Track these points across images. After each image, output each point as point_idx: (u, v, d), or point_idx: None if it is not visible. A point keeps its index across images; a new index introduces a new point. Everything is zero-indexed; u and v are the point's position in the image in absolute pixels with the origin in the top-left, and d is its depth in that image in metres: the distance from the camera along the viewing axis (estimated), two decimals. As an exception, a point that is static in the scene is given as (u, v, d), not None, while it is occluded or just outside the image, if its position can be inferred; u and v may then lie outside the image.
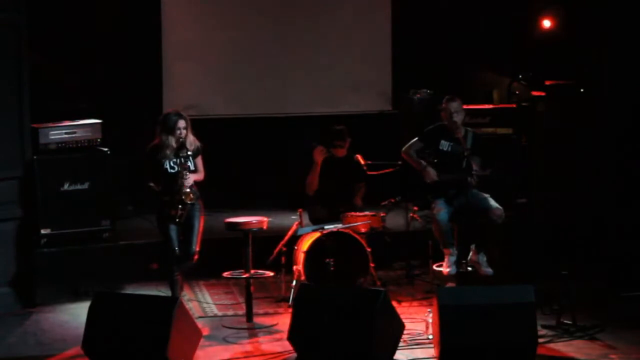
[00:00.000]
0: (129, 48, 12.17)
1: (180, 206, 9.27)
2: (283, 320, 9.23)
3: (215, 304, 10.05)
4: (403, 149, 10.31)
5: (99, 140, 10.77)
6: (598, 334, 8.89)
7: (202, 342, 8.54)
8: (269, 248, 10.22)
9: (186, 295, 9.66)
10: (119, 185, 10.90)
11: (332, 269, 9.73)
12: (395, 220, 11.15)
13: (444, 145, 10.16)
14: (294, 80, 12.83)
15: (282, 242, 10.17)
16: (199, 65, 12.61)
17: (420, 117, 11.71)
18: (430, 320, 8.63)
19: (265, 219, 9.57)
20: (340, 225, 10.02)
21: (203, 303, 10.04)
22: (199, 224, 9.44)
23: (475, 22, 12.73)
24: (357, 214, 10.31)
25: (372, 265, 9.94)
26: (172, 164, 9.33)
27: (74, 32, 11.93)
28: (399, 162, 10.50)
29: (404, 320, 8.43)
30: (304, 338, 8.32)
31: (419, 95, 12.53)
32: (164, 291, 9.94)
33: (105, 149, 10.76)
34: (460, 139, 10.08)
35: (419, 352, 8.54)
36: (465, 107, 10.38)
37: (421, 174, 10.13)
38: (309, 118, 12.75)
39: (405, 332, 8.47)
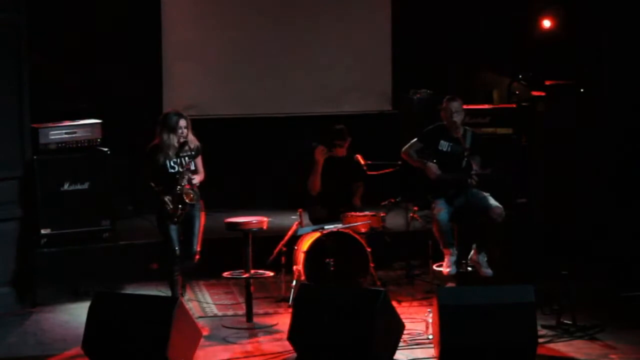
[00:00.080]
0: (129, 48, 12.16)
1: (180, 206, 9.27)
2: (283, 320, 9.23)
3: (215, 304, 10.05)
4: (403, 149, 10.31)
5: (99, 140, 10.78)
6: (598, 334, 8.89)
7: (202, 342, 8.54)
8: (269, 248, 10.22)
9: (186, 295, 9.65)
10: (119, 185, 10.90)
11: (332, 269, 9.73)
12: (395, 220, 11.15)
13: (444, 145, 10.16)
14: (294, 80, 12.83)
15: (282, 242, 10.17)
16: (199, 65, 12.60)
17: (420, 117, 11.70)
18: (430, 320, 8.63)
19: (265, 219, 9.57)
20: (340, 225, 10.03)
21: (203, 303, 10.04)
22: (200, 224, 9.45)
23: (475, 22, 12.72)
24: (357, 214, 10.31)
25: (372, 265, 9.94)
26: (172, 163, 9.33)
27: (74, 32, 11.93)
28: (399, 162, 10.50)
29: (404, 320, 8.43)
30: (304, 338, 8.32)
31: (419, 95, 12.53)
32: (164, 291, 9.94)
33: (105, 149, 10.76)
34: (459, 138, 10.09)
35: (419, 352, 8.53)
36: (465, 107, 10.39)
37: (423, 172, 10.12)
38: (309, 118, 12.74)
39: (405, 332, 8.47)
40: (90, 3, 12.04)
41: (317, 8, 12.85)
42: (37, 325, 9.48)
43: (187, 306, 8.60)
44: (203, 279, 10.56)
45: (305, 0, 12.88)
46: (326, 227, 9.94)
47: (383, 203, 10.80)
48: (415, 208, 10.69)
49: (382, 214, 10.41)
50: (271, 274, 9.81)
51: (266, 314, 9.69)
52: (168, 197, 9.25)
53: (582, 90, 11.82)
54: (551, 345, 8.68)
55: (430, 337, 8.64)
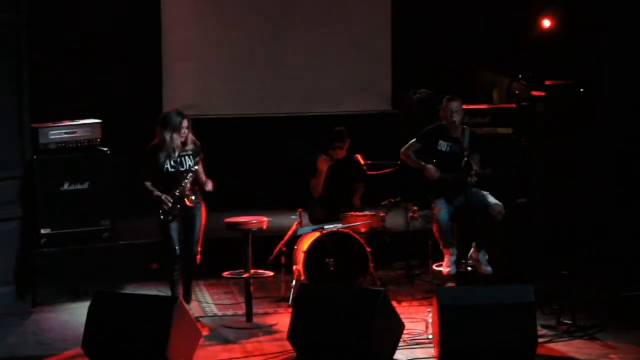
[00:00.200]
0: (129, 48, 12.16)
1: (178, 206, 9.27)
2: (283, 320, 9.23)
3: (215, 304, 10.05)
4: (402, 150, 10.31)
5: (99, 140, 10.78)
6: (598, 334, 8.89)
7: (202, 342, 8.55)
8: (269, 248, 10.22)
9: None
10: (119, 185, 10.90)
11: (332, 269, 9.74)
12: (395, 220, 11.15)
13: (443, 145, 10.16)
14: (294, 80, 12.83)
15: (282, 242, 10.18)
16: (199, 65, 12.60)
17: (420, 117, 11.70)
18: (430, 320, 8.63)
19: (265, 219, 9.58)
20: (340, 225, 10.03)
21: (203, 303, 10.04)
22: (201, 224, 9.44)
23: (475, 22, 12.72)
24: (357, 214, 10.31)
25: (372, 265, 9.94)
26: (172, 163, 9.33)
27: (74, 32, 11.92)
28: (399, 162, 10.50)
29: (404, 320, 8.43)
30: (304, 338, 8.32)
31: (419, 95, 12.53)
32: (164, 291, 9.94)
33: (105, 149, 10.76)
34: (459, 138, 10.08)
35: (419, 352, 8.54)
36: (465, 107, 10.39)
37: (423, 174, 10.12)
38: (309, 118, 12.74)
39: (405, 332, 8.47)
40: (90, 3, 12.04)
41: (317, 8, 12.85)
42: (37, 325, 9.48)
43: (187, 306, 8.60)
44: (203, 279, 10.55)
45: (306, 1, 12.88)
46: (326, 227, 9.94)
47: (383, 203, 10.80)
48: (415, 208, 10.69)
49: (382, 214, 10.42)
50: (271, 274, 9.81)
51: (266, 314, 9.69)
52: (166, 196, 9.25)
53: (582, 90, 11.82)
54: (551, 345, 8.68)
55: (430, 337, 8.64)
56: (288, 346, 8.44)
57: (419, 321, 9.01)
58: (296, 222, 10.26)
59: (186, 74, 12.56)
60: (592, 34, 11.97)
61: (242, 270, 9.54)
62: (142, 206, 9.66)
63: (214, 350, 8.70)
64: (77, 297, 10.09)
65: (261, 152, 12.60)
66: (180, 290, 9.42)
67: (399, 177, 10.67)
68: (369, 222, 10.20)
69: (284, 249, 10.13)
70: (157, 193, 9.28)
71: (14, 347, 8.90)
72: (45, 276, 10.21)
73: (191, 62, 12.56)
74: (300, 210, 10.37)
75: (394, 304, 8.85)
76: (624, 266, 10.71)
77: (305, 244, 9.90)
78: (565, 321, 8.99)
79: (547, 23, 12.53)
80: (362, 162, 10.57)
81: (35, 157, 10.30)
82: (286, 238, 10.19)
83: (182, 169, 9.35)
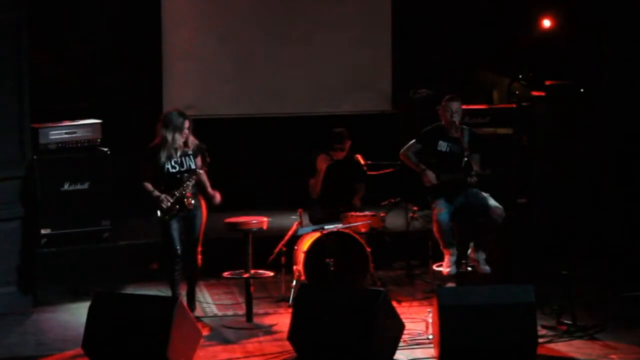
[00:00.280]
0: (129, 48, 12.16)
1: (177, 206, 9.26)
2: (283, 320, 9.23)
3: (215, 304, 10.05)
4: (401, 151, 10.30)
5: (99, 140, 10.78)
6: (598, 334, 8.89)
7: (202, 342, 8.55)
8: (269, 248, 10.22)
9: (185, 295, 9.64)
10: (119, 185, 10.90)
11: (332, 269, 9.74)
12: (395, 220, 11.15)
13: (442, 145, 10.15)
14: (294, 80, 12.83)
15: (282, 242, 10.17)
16: (199, 65, 12.60)
17: (420, 117, 11.71)
18: (430, 320, 8.63)
19: (265, 219, 9.58)
20: (340, 225, 10.03)
21: (203, 303, 10.04)
22: (201, 224, 9.44)
23: (475, 22, 12.72)
24: (357, 214, 10.31)
25: (372, 265, 9.94)
26: (173, 163, 9.33)
27: (74, 32, 11.92)
28: (399, 162, 10.50)
29: (404, 320, 8.43)
30: (304, 338, 8.32)
31: (419, 95, 12.52)
32: (164, 291, 9.95)
33: (105, 149, 10.76)
34: (458, 138, 10.07)
35: (419, 352, 8.53)
36: (465, 107, 10.39)
37: (420, 177, 10.11)
38: (309, 118, 12.74)
39: (405, 332, 8.47)
40: (90, 3, 12.04)
41: (317, 8, 12.85)
42: (37, 325, 9.48)
43: (187, 306, 8.61)
44: (203, 279, 10.54)
45: (306, 1, 12.88)
46: (326, 227, 9.94)
47: (383, 203, 10.80)
48: (415, 208, 10.70)
49: (382, 214, 10.41)
50: (271, 274, 9.81)
51: (266, 314, 9.69)
52: (166, 195, 9.24)
53: (582, 90, 11.82)
54: (551, 345, 8.68)
55: (430, 337, 8.64)
56: (288, 346, 8.44)
57: (419, 321, 9.01)
58: (296, 222, 10.26)
59: (186, 74, 12.56)
60: (592, 34, 11.97)
61: (242, 270, 9.54)
62: (142, 206, 9.66)
63: (214, 350, 8.70)
64: (77, 297, 10.08)
65: (261, 152, 12.60)
66: (181, 290, 9.42)
67: (399, 177, 10.67)
68: (369, 222, 10.20)
69: (284, 249, 10.13)
70: (157, 193, 9.28)
71: (14, 347, 8.89)
72: (45, 276, 10.21)
73: (191, 62, 12.56)
74: (300, 210, 10.37)
75: (394, 304, 8.85)
76: (624, 266, 10.71)
77: (305, 244, 9.90)
78: (565, 321, 8.98)
79: (547, 23, 12.53)
80: (362, 162, 10.57)
81: (35, 157, 10.30)
82: (286, 238, 10.19)
83: (182, 169, 9.35)
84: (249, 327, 9.32)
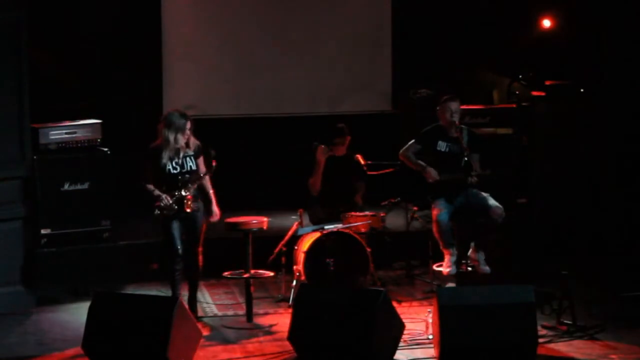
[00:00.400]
0: (129, 48, 12.16)
1: (175, 207, 9.25)
2: (283, 320, 9.23)
3: (215, 304, 10.05)
4: (400, 151, 10.30)
5: (99, 140, 10.78)
6: (598, 334, 8.89)
7: (202, 342, 8.54)
8: (269, 248, 10.22)
9: (186, 295, 9.65)
10: (119, 185, 10.90)
11: (332, 269, 9.74)
12: (395, 220, 11.15)
13: (442, 145, 10.15)
14: (294, 80, 12.83)
15: (282, 242, 10.17)
16: (199, 65, 12.60)
17: (420, 117, 11.71)
18: (430, 320, 8.63)
19: (265, 219, 9.58)
20: (340, 225, 10.02)
21: (203, 303, 10.04)
22: (202, 224, 9.44)
23: (475, 22, 12.72)
24: (357, 214, 10.30)
25: (372, 265, 9.94)
26: (174, 164, 9.33)
27: (74, 32, 11.92)
28: (399, 162, 10.50)
29: (404, 320, 8.43)
30: (304, 338, 8.32)
31: (419, 95, 12.53)
32: (164, 291, 9.95)
33: (105, 149, 10.76)
34: (457, 138, 10.07)
35: (419, 352, 8.53)
36: (465, 107, 10.40)
37: (422, 175, 10.12)
38: (309, 118, 12.74)
39: (405, 332, 8.46)
40: (90, 3, 12.04)
41: (317, 8, 12.85)
42: (37, 325, 9.48)
43: (187, 306, 8.61)
44: (203, 279, 10.54)
45: (306, 0, 12.88)
46: (326, 227, 9.94)
47: (383, 203, 10.80)
48: (415, 208, 10.70)
49: (382, 214, 10.41)
50: (271, 274, 9.81)
51: (266, 314, 9.69)
52: (166, 195, 9.24)
53: (582, 90, 11.82)
54: (551, 345, 8.68)
55: (430, 337, 8.64)
56: (288, 346, 8.44)
57: (419, 321, 9.01)
58: (296, 222, 10.25)
59: (186, 74, 12.56)
60: (592, 34, 11.97)
61: (242, 270, 9.54)
62: (142, 206, 9.66)
63: (214, 350, 8.70)
64: (77, 297, 10.09)
65: (261, 152, 12.60)
66: (181, 290, 9.42)
67: (399, 177, 10.67)
68: (369, 222, 10.20)
69: (284, 249, 10.13)
70: (157, 192, 9.28)
71: (14, 347, 8.89)
72: (45, 276, 10.21)
73: (191, 62, 12.56)
74: (300, 210, 10.37)
75: (394, 304, 8.85)
76: (624, 266, 10.71)
77: (305, 244, 9.90)
78: (565, 321, 8.98)
79: (547, 23, 12.54)
80: (362, 162, 10.57)
81: (35, 157, 10.30)
82: (286, 238, 10.19)
83: (183, 171, 9.34)
84: (249, 327, 9.32)
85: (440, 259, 10.16)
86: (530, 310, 8.14)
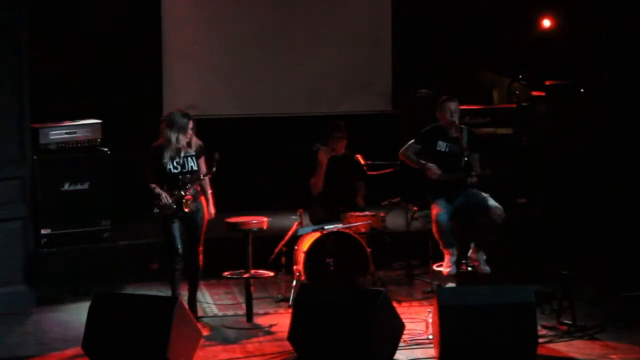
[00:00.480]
0: (129, 48, 12.16)
1: (174, 206, 9.25)
2: (283, 320, 9.23)
3: (215, 304, 10.05)
4: (400, 151, 10.30)
5: (99, 140, 10.78)
6: (598, 334, 8.89)
7: (202, 342, 8.55)
8: (269, 248, 10.22)
9: (186, 295, 9.65)
10: (119, 185, 10.90)
11: (332, 269, 9.74)
12: (395, 220, 11.15)
13: (442, 145, 10.16)
14: (294, 80, 12.83)
15: (282, 242, 10.18)
16: (199, 65, 12.60)
17: (420, 117, 11.70)
18: (430, 320, 8.63)
19: (265, 219, 9.58)
20: (340, 225, 10.03)
21: (203, 303, 10.04)
22: (203, 224, 9.44)
23: (475, 22, 12.72)
24: (357, 214, 10.31)
25: (372, 265, 9.94)
26: (175, 164, 9.33)
27: (74, 32, 11.92)
28: (399, 162, 10.50)
29: (404, 320, 8.43)
30: (304, 338, 8.32)
31: (419, 95, 12.53)
32: (164, 291, 9.95)
33: (105, 149, 10.77)
34: (457, 138, 10.07)
35: (419, 352, 8.53)
36: (465, 107, 10.40)
37: (424, 173, 10.11)
38: (309, 118, 12.74)
39: (405, 332, 8.47)
40: (90, 3, 12.04)
41: (317, 8, 12.85)
42: (37, 325, 9.48)
43: (187, 306, 8.61)
44: (203, 279, 10.53)
45: (306, 0, 12.88)
46: (326, 227, 9.95)
47: (383, 203, 10.81)
48: (415, 208, 10.69)
49: (382, 214, 10.41)
50: (271, 274, 9.81)
51: (266, 314, 9.69)
52: (166, 194, 9.24)
53: (582, 90, 11.82)
54: (551, 345, 8.68)
55: (430, 337, 8.64)
56: (288, 346, 8.44)
57: (419, 321, 9.01)
58: (296, 222, 10.25)
59: (186, 74, 12.56)
60: (592, 34, 11.97)
61: (242, 270, 9.54)
62: (142, 206, 9.67)
63: (214, 350, 8.70)
64: (77, 297, 10.09)
65: (261, 152, 12.59)
66: (181, 290, 9.42)
67: (399, 177, 10.67)
68: (369, 222, 10.20)
69: (284, 249, 10.14)
70: (158, 190, 9.28)
71: (14, 347, 8.89)
72: (45, 276, 10.21)
73: (191, 62, 12.56)
74: (300, 210, 10.37)
75: (394, 304, 8.85)
76: (624, 266, 10.71)
77: (305, 244, 9.90)
78: (565, 321, 8.98)
79: (547, 23, 12.54)
80: (362, 162, 10.57)
81: (35, 157, 10.30)
82: (286, 238, 10.19)
83: (184, 170, 9.34)
84: (249, 327, 9.32)
85: (440, 259, 10.17)
86: (530, 310, 8.14)
